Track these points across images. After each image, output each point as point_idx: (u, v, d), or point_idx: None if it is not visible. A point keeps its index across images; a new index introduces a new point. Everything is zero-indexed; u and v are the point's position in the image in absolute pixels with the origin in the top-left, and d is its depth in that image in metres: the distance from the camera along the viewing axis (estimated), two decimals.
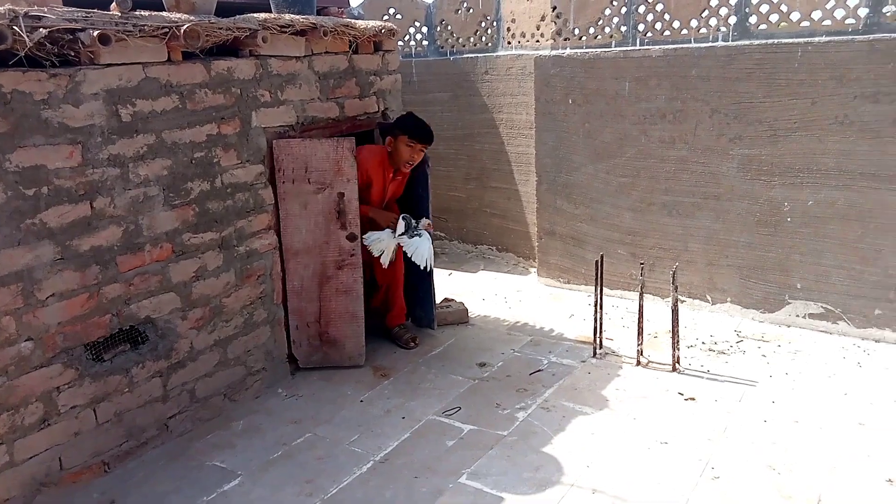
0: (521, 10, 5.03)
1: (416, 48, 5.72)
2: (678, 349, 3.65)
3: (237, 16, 3.19)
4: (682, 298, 4.34)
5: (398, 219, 3.84)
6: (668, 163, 4.37)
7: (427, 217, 3.96)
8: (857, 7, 3.67)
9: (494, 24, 5.26)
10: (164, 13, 2.89)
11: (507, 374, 3.70)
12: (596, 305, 3.82)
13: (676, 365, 3.65)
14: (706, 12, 4.11)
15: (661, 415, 3.22)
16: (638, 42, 4.37)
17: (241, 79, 3.24)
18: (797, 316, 4.11)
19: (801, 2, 3.80)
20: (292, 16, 3.42)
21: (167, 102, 2.93)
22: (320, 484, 2.80)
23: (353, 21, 3.77)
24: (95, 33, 2.52)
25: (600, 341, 3.87)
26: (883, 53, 3.60)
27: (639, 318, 3.71)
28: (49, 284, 2.62)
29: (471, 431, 3.15)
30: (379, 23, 3.89)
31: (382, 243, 3.81)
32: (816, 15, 3.78)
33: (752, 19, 3.96)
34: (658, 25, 4.30)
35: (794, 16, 3.85)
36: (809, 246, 4.00)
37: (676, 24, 4.22)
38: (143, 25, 2.70)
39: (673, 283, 3.59)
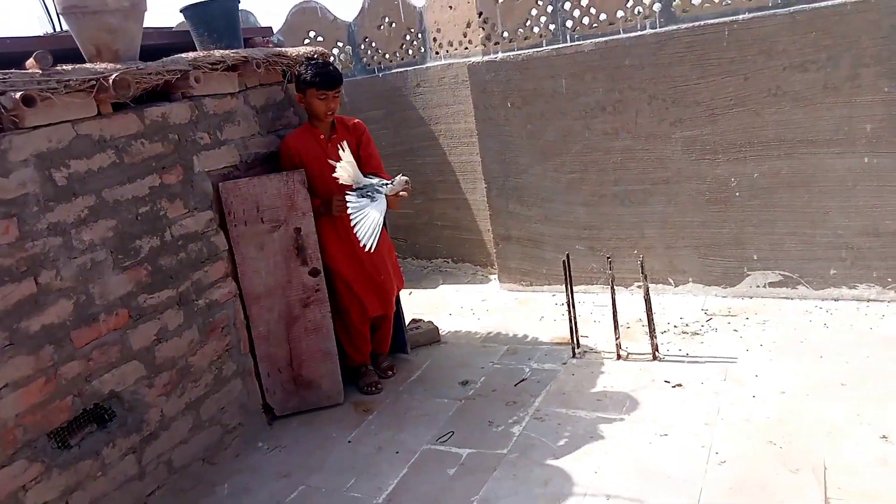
0: (445, 19, 4.98)
1: (342, 69, 5.58)
2: (655, 337, 3.67)
3: (164, 58, 2.99)
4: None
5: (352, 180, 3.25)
6: (613, 154, 4.40)
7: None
8: None
9: (420, 35, 5.19)
10: (87, 65, 2.67)
11: (492, 388, 3.62)
12: (568, 305, 3.80)
13: (656, 353, 3.67)
14: (630, 2, 4.17)
15: (653, 406, 3.22)
16: (569, 39, 4.39)
17: (178, 123, 3.05)
18: (758, 286, 4.21)
19: None
20: (222, 51, 3.25)
21: (103, 159, 2.72)
22: None
23: (283, 49, 3.62)
24: (18, 95, 2.30)
25: (577, 341, 3.85)
26: (804, 24, 3.72)
27: (613, 311, 3.71)
28: (0, 375, 2.37)
29: (470, 455, 3.05)
30: (310, 48, 3.75)
31: (366, 215, 3.16)
32: None
33: (676, 3, 4.04)
34: (585, 20, 4.33)
35: None
36: (760, 217, 4.10)
37: (603, 17, 4.27)
38: (68, 80, 2.48)
39: (642, 272, 3.61)
